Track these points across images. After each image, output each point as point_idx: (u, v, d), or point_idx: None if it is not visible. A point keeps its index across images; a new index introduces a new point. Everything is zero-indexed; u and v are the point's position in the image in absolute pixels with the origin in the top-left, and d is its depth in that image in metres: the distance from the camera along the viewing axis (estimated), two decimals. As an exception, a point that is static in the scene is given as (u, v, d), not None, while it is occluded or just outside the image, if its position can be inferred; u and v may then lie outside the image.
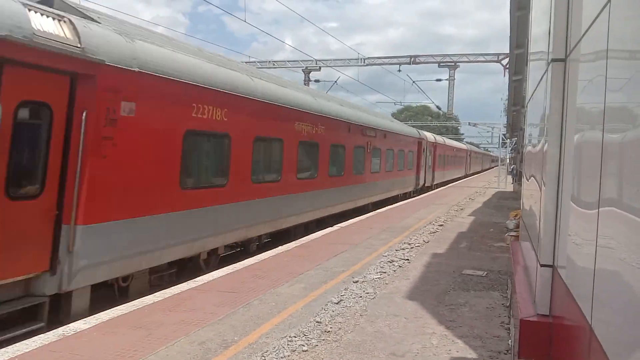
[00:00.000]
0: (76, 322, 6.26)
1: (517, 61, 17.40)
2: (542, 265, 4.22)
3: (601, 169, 2.42)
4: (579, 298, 2.88)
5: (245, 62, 40.57)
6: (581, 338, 2.72)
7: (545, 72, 4.93)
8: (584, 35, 3.31)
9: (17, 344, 5.48)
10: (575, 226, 3.28)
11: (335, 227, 15.21)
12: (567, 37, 4.13)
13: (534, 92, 6.65)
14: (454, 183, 43.22)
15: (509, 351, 5.57)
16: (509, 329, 6.22)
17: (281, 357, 5.29)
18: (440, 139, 41.09)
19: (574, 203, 3.36)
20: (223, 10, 69.74)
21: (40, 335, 5.75)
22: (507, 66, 25.63)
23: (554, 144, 4.16)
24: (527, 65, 11.96)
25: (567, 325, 3.35)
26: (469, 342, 5.90)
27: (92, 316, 6.50)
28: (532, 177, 6.16)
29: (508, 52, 20.43)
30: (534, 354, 4.06)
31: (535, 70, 6.82)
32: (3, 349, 5.31)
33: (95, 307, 7.10)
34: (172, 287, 7.94)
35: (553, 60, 4.27)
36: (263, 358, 5.27)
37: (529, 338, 4.08)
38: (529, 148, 7.27)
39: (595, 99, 2.74)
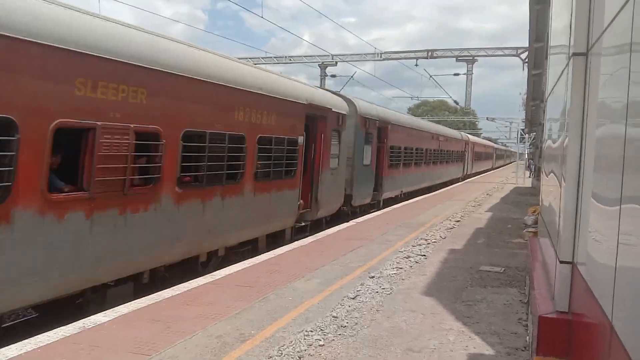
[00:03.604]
0: (96, 315, 6.36)
1: (536, 55, 17.18)
2: (561, 262, 4.17)
3: (623, 165, 2.38)
4: (599, 295, 2.84)
5: (262, 58, 40.68)
6: (601, 335, 2.69)
7: (566, 66, 4.86)
8: (606, 28, 3.25)
9: (38, 336, 5.58)
10: (596, 223, 3.24)
11: (351, 222, 15.20)
12: (588, 31, 4.06)
13: (554, 86, 6.56)
14: (482, 174, 51.31)
15: (527, 348, 5.53)
16: (527, 325, 6.16)
17: (298, 352, 5.32)
18: (476, 139, 51.36)
19: (595, 200, 3.31)
20: (241, 7, 69.93)
21: (61, 328, 5.85)
22: (526, 60, 25.30)
23: (575, 140, 4.10)
24: (546, 59, 11.79)
25: (586, 323, 3.31)
26: (486, 339, 5.86)
27: (112, 309, 6.60)
28: (552, 173, 6.08)
29: (527, 46, 20.14)
30: (553, 351, 4.02)
31: (555, 65, 6.73)
32: (26, 340, 5.42)
33: (116, 301, 7.20)
34: (190, 281, 8.02)
35: (574, 54, 4.21)
36: (280, 352, 5.30)
37: (547, 335, 4.05)
38: (549, 143, 7.18)
39: (618, 94, 2.70)
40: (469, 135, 46.41)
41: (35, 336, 5.59)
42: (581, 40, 4.17)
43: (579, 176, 4.07)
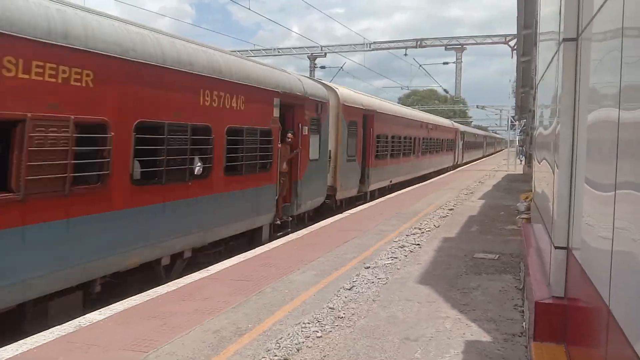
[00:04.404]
0: (91, 313, 6.33)
1: (525, 42, 17.19)
2: (556, 248, 4.19)
3: (617, 150, 2.38)
4: (595, 280, 2.86)
5: (251, 50, 40.45)
6: (598, 319, 2.71)
7: (556, 53, 4.86)
8: (597, 13, 3.25)
9: (34, 336, 5.55)
10: (590, 208, 3.25)
11: (346, 213, 15.22)
12: (578, 16, 4.06)
13: (544, 73, 6.57)
14: (473, 163, 51.78)
15: (524, 333, 5.57)
16: (523, 311, 6.21)
17: (296, 344, 5.32)
18: (466, 128, 52.37)
19: (588, 185, 3.32)
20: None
21: (56, 327, 5.81)
22: (515, 47, 25.32)
23: (567, 125, 4.11)
24: (536, 46, 11.79)
25: (583, 307, 3.33)
26: (483, 325, 5.90)
27: (107, 307, 6.56)
28: (544, 159, 6.10)
29: (515, 33, 20.16)
30: (550, 336, 4.06)
31: (545, 51, 6.73)
32: (22, 341, 5.38)
33: (107, 298, 7.17)
34: (185, 277, 8.00)
35: (565, 39, 4.21)
36: (278, 345, 5.30)
37: (544, 320, 4.08)
38: (540, 130, 7.20)
39: (610, 78, 2.70)
40: (458, 125, 46.54)
41: (31, 336, 5.55)
42: (571, 26, 4.17)
43: (571, 162, 4.08)
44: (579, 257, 3.53)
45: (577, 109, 3.96)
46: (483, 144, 70.00)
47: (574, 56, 4.06)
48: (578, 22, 4.04)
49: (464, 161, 47.79)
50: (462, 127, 48.34)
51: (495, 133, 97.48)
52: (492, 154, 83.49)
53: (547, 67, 5.98)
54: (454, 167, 41.42)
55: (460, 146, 44.95)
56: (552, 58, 5.25)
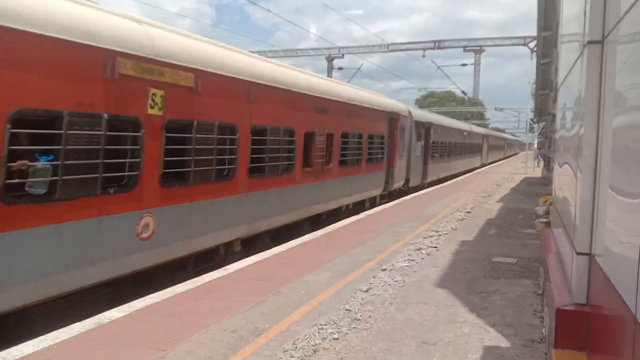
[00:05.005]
0: (111, 310, 6.40)
1: (545, 44, 16.98)
2: (578, 254, 4.13)
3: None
4: (620, 287, 2.81)
5: (269, 51, 40.59)
6: (624, 328, 2.66)
7: (580, 55, 4.78)
8: (624, 15, 3.19)
9: (55, 332, 5.63)
10: (615, 214, 3.19)
11: (361, 215, 15.18)
12: (604, 18, 3.99)
13: (566, 75, 6.47)
14: (494, 164, 55.96)
15: (543, 340, 5.50)
16: (542, 317, 6.13)
17: (312, 345, 5.33)
18: (490, 132, 60.28)
19: (613, 190, 3.27)
20: (247, 0, 69.64)
21: (77, 324, 5.88)
22: (535, 49, 25.04)
23: (591, 129, 4.04)
24: (556, 48, 11.64)
25: (607, 315, 3.27)
26: (502, 331, 5.84)
27: (126, 304, 6.64)
28: (566, 163, 6.02)
29: (535, 35, 19.93)
30: (571, 344, 3.99)
31: (567, 53, 6.63)
32: (42, 337, 5.46)
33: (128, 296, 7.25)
34: (203, 276, 8.05)
35: (589, 42, 4.14)
36: (295, 346, 5.31)
37: (565, 327, 4.01)
38: (562, 133, 7.10)
39: (638, 82, 2.65)
40: (483, 130, 54.45)
41: (52, 332, 5.64)
42: (597, 28, 4.09)
43: (595, 166, 4.01)
44: (602, 264, 3.47)
45: (602, 112, 3.89)
46: (504, 146, 78.83)
47: (599, 59, 4.00)
48: (604, 24, 3.97)
49: (489, 161, 55.37)
50: (487, 132, 56.48)
51: (514, 135, 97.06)
52: (511, 155, 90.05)
53: (570, 70, 5.89)
54: (481, 166, 48.65)
55: (486, 148, 52.36)
56: (576, 61, 5.17)
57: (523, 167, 41.77)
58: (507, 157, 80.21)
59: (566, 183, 5.86)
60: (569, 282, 4.53)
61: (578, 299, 4.10)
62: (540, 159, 45.82)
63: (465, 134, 37.98)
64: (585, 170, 4.13)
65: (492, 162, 57.88)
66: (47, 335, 5.52)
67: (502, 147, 73.59)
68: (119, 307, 6.51)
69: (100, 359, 4.94)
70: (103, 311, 6.32)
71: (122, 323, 5.93)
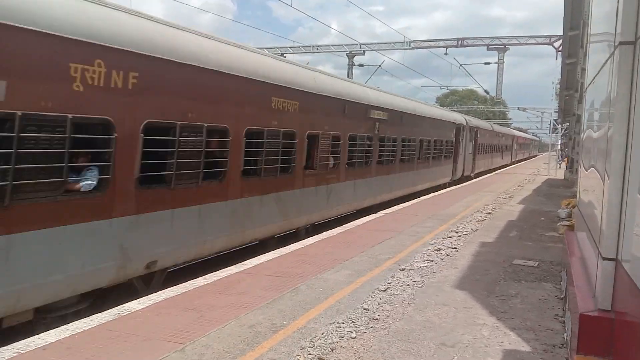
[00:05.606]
0: (130, 302, 6.48)
1: (571, 43, 16.71)
2: (604, 259, 4.04)
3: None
4: (649, 295, 2.73)
5: (290, 47, 40.62)
6: (652, 337, 2.59)
7: (610, 56, 4.67)
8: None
9: (76, 322, 5.72)
10: (645, 219, 3.11)
11: (380, 213, 15.12)
12: (638, 18, 3.89)
13: (595, 76, 6.34)
14: (517, 164, 59.21)
15: (564, 345, 5.41)
16: (564, 322, 6.03)
17: (330, 343, 5.31)
18: (519, 133, 67.92)
19: (643, 195, 3.18)
20: (268, -4, 69.61)
21: (97, 315, 5.97)
22: (560, 49, 24.63)
23: (621, 132, 3.95)
24: (583, 47, 11.41)
25: (633, 322, 3.20)
26: (522, 335, 5.75)
27: (146, 297, 6.71)
28: (592, 166, 5.89)
29: (561, 34, 19.58)
30: (594, 350, 3.91)
31: (596, 54, 6.49)
32: (64, 326, 5.56)
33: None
34: (221, 270, 8.10)
35: (621, 43, 4.04)
36: (312, 343, 5.30)
37: (589, 333, 3.93)
38: (588, 135, 6.95)
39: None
40: (514, 131, 63.85)
41: (72, 322, 5.72)
42: (629, 29, 3.99)
43: (624, 170, 3.92)
44: (629, 270, 3.39)
45: (633, 115, 3.80)
46: (530, 146, 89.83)
47: (631, 60, 3.89)
48: (637, 24, 3.87)
49: (517, 159, 62.67)
50: (515, 133, 63.55)
51: (536, 136, 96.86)
52: (535, 155, 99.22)
53: (599, 71, 5.76)
54: (511, 163, 55.16)
55: (515, 148, 59.70)
56: (605, 61, 5.06)
57: (545, 168, 41.16)
58: (532, 157, 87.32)
59: (592, 186, 5.74)
60: (593, 287, 4.44)
61: (603, 305, 4.01)
62: (561, 159, 48.24)
63: (500, 135, 46.72)
64: (613, 174, 4.04)
65: (520, 161, 66.20)
66: (67, 325, 5.61)
67: (528, 146, 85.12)
68: (138, 299, 6.58)
69: (119, 351, 4.99)
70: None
71: (142, 315, 5.99)
